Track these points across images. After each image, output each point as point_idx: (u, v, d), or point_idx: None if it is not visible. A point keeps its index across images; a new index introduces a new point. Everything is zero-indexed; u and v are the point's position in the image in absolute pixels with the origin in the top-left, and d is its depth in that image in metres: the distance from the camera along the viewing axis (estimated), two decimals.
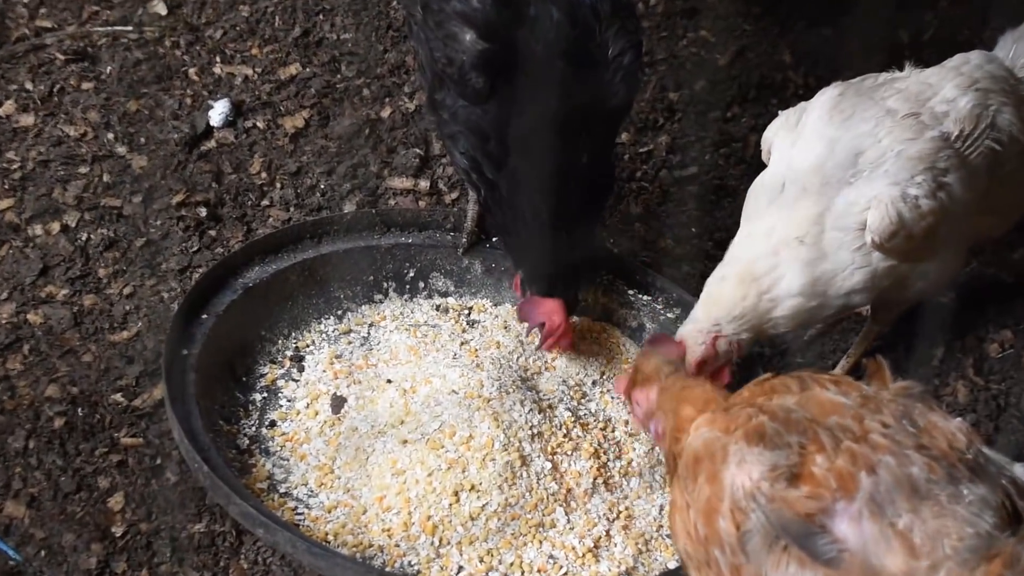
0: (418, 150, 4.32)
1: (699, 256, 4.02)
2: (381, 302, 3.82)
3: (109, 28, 4.63)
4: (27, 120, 4.28)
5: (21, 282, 3.80)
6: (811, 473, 2.32)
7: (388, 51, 4.68)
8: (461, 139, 3.51)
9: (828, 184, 3.24)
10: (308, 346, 3.68)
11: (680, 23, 4.91)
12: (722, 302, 3.32)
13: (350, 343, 3.69)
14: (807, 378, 2.52)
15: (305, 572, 3.19)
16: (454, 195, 4.20)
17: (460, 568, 3.14)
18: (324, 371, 3.59)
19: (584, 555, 3.20)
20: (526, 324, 3.61)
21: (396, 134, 4.39)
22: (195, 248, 3.94)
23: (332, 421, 3.44)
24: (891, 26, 4.82)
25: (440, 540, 3.15)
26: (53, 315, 3.73)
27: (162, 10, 4.69)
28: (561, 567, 3.17)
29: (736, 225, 3.43)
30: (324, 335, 3.71)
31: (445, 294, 3.88)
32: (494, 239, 3.85)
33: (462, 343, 3.66)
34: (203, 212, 4.04)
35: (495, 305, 3.85)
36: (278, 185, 4.19)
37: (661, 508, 3.32)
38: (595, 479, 3.31)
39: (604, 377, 3.63)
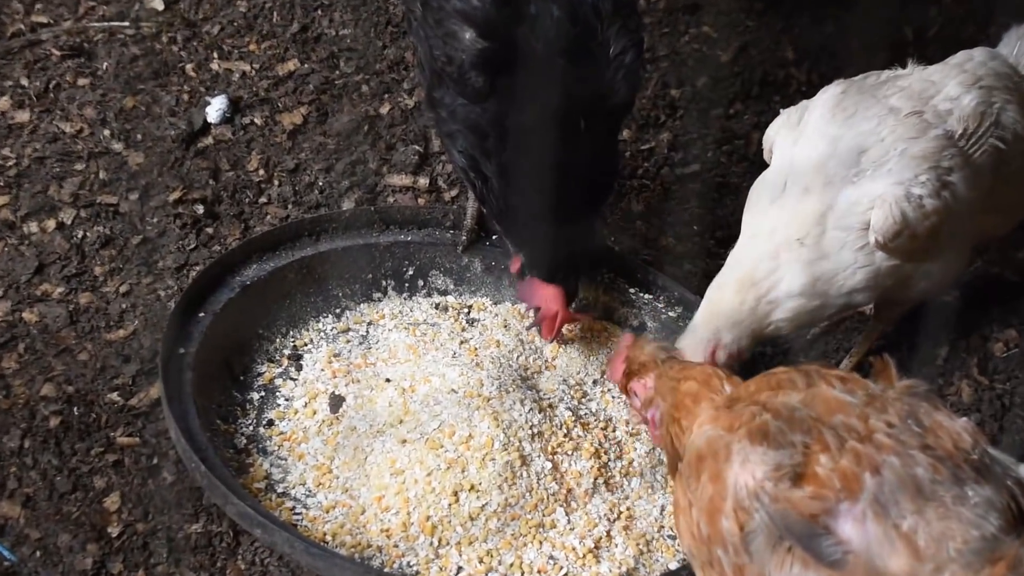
0: (417, 147, 4.31)
1: (701, 254, 4.02)
2: (380, 300, 3.82)
3: (105, 24, 4.62)
4: (22, 116, 4.27)
5: (16, 280, 3.80)
6: (815, 473, 2.32)
7: (387, 47, 4.68)
8: (460, 138, 3.50)
9: (830, 183, 3.24)
10: (306, 345, 3.67)
11: (682, 19, 4.91)
12: (721, 310, 3.32)
13: (348, 342, 3.69)
14: (814, 373, 2.52)
15: (303, 573, 3.18)
16: (453, 192, 4.20)
17: (459, 569, 3.13)
18: (322, 370, 3.58)
19: (585, 556, 3.19)
20: (525, 306, 3.59)
21: (395, 131, 4.39)
22: (192, 246, 3.94)
23: (330, 420, 3.43)
24: (895, 22, 4.82)
25: (439, 540, 3.15)
26: (49, 313, 3.72)
27: (159, 5, 4.68)
28: (561, 568, 3.17)
29: (738, 223, 3.43)
30: (322, 333, 3.71)
31: (444, 292, 3.87)
32: (494, 237, 3.84)
33: (461, 342, 3.65)
34: (200, 209, 4.03)
35: (495, 303, 3.85)
36: (276, 182, 4.19)
37: (662, 508, 3.32)
38: (596, 479, 3.31)
39: (605, 376, 3.62)
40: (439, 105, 3.54)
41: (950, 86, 3.33)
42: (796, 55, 4.81)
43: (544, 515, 3.22)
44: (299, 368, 3.61)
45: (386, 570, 3.10)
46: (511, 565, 3.14)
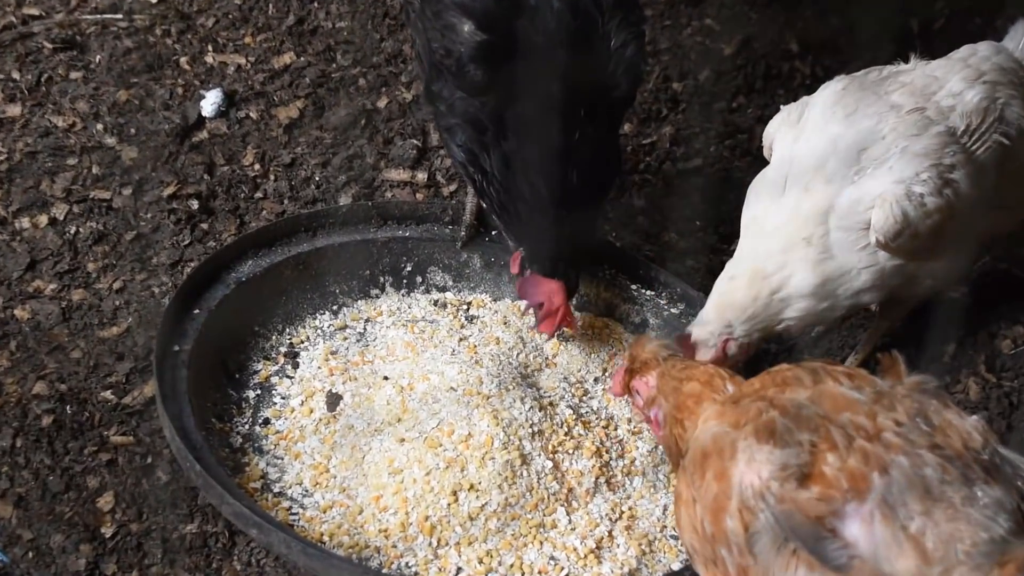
0: (415, 141, 4.30)
1: (704, 250, 4.02)
2: (378, 297, 3.81)
3: (98, 16, 4.61)
4: (14, 110, 4.26)
5: (8, 276, 3.79)
6: (822, 473, 2.31)
7: (384, 40, 4.67)
8: (459, 131, 3.49)
9: (831, 182, 3.24)
10: (303, 342, 3.66)
11: (685, 11, 4.90)
12: (734, 303, 3.31)
13: (346, 339, 3.68)
14: (821, 370, 2.51)
15: (300, 574, 3.17)
16: (452, 187, 4.19)
17: (459, 569, 3.12)
18: (319, 368, 3.57)
19: (586, 556, 3.18)
20: (523, 302, 3.59)
21: (393, 125, 4.38)
22: (187, 242, 3.93)
23: (327, 419, 3.42)
24: (900, 15, 4.81)
25: (438, 541, 3.14)
26: (41, 310, 3.71)
27: None
28: (563, 568, 3.16)
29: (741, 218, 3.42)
30: (319, 331, 3.70)
31: (443, 289, 3.86)
32: (493, 232, 3.83)
33: (461, 339, 3.64)
34: (195, 205, 4.02)
35: (494, 300, 3.84)
36: (272, 177, 4.18)
37: (665, 508, 3.31)
38: (597, 478, 3.30)
39: (606, 374, 3.62)
40: (437, 99, 3.53)
41: (953, 81, 3.32)
42: (800, 48, 4.81)
43: (545, 515, 3.21)
44: (296, 366, 3.59)
45: (384, 571, 3.09)
46: (511, 566, 3.13)
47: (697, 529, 2.47)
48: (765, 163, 3.46)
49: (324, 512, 3.21)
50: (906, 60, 3.47)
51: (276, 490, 3.27)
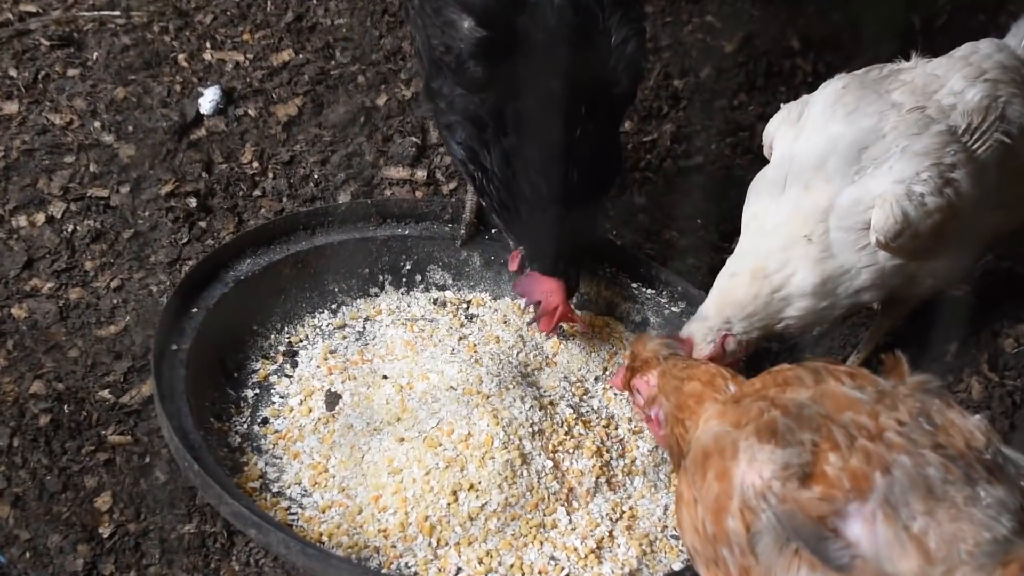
0: (415, 139, 4.30)
1: (705, 248, 4.02)
2: (377, 295, 3.80)
3: (95, 13, 4.61)
4: (11, 108, 4.26)
5: (5, 275, 3.78)
6: (824, 472, 2.31)
7: (384, 37, 4.66)
8: (459, 129, 3.49)
9: (831, 181, 3.23)
10: (301, 341, 3.66)
11: (686, 8, 4.90)
12: (735, 300, 3.31)
13: (345, 338, 3.68)
14: (822, 370, 2.51)
15: (299, 574, 3.17)
16: (452, 185, 4.19)
17: (459, 570, 3.12)
18: (318, 367, 3.57)
19: (586, 556, 3.18)
20: (522, 299, 3.59)
21: (392, 122, 4.37)
22: (185, 240, 3.93)
23: (326, 418, 3.42)
24: (903, 11, 4.81)
25: (438, 541, 3.14)
26: (38, 309, 3.71)
27: None
28: (563, 569, 3.16)
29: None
30: (318, 330, 3.70)
31: (443, 287, 3.86)
32: (493, 231, 3.83)
33: (460, 338, 3.64)
34: (193, 203, 4.02)
35: (494, 299, 3.84)
36: (270, 175, 4.18)
37: (666, 508, 3.31)
38: (598, 478, 3.30)
39: (607, 373, 3.62)
40: (437, 96, 3.53)
41: (954, 80, 3.32)
42: (802, 45, 4.81)
43: (545, 515, 3.21)
44: (294, 365, 3.59)
45: (384, 571, 3.09)
46: (511, 566, 3.13)
47: (698, 530, 2.47)
48: (766, 161, 3.46)
49: (323, 512, 3.21)
50: (907, 57, 3.47)
51: (275, 490, 3.27)
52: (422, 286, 3.85)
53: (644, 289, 3.82)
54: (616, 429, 3.46)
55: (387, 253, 3.82)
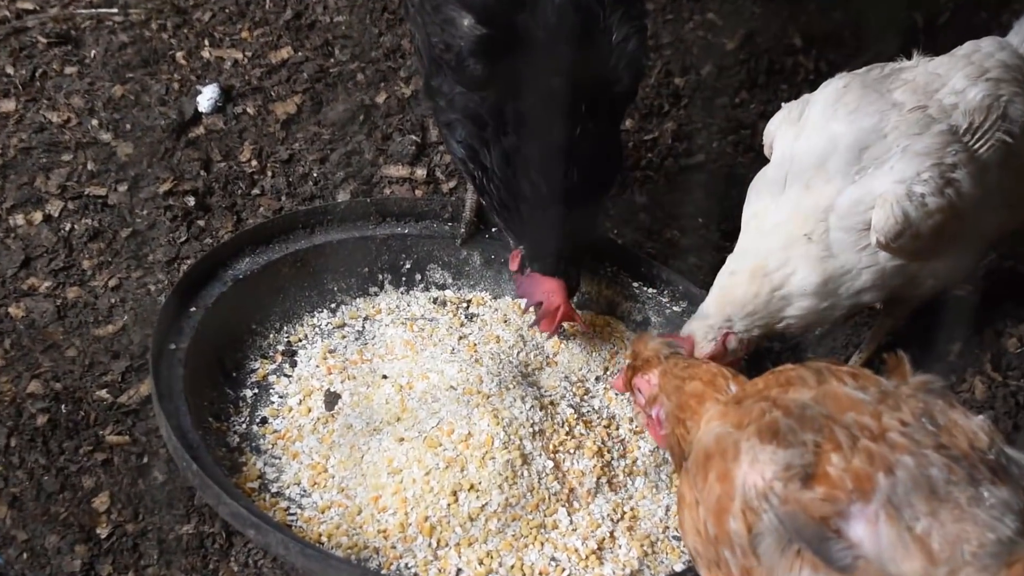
0: (414, 137, 4.30)
1: (706, 247, 4.02)
2: (376, 295, 3.80)
3: (93, 10, 4.60)
4: (8, 106, 4.26)
5: (2, 274, 3.78)
6: (826, 473, 2.31)
7: (383, 34, 4.66)
8: (458, 127, 3.49)
9: (831, 181, 3.23)
10: (301, 340, 3.66)
11: (687, 5, 4.90)
12: (735, 298, 3.31)
13: (344, 337, 3.68)
14: (825, 370, 2.51)
15: (298, 575, 3.17)
16: (452, 184, 4.18)
17: (459, 571, 3.12)
18: (317, 366, 3.57)
19: (587, 557, 3.18)
20: (523, 300, 3.59)
21: (392, 120, 4.37)
22: (183, 239, 3.92)
23: (326, 418, 3.42)
24: (905, 9, 4.81)
25: (438, 542, 3.14)
26: (35, 308, 3.71)
27: None
28: (564, 570, 3.16)
29: None
30: (317, 329, 3.70)
31: (443, 286, 3.86)
32: (494, 229, 3.83)
33: (460, 337, 3.64)
34: (191, 201, 4.02)
35: (495, 298, 3.84)
36: (269, 173, 4.17)
37: (667, 508, 3.31)
38: (599, 478, 3.30)
39: (608, 373, 3.62)
40: (437, 94, 3.53)
41: (955, 79, 3.32)
42: (804, 43, 4.80)
43: (546, 515, 3.21)
44: (293, 364, 3.59)
45: (383, 572, 3.09)
46: (512, 567, 3.13)
47: (700, 531, 2.47)
48: (767, 160, 3.46)
49: (322, 512, 3.21)
50: (910, 56, 3.47)
51: (274, 490, 3.27)
52: (422, 285, 3.85)
53: (645, 288, 3.82)
54: (617, 429, 3.46)
55: (387, 252, 3.82)
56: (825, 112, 3.33)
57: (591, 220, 3.60)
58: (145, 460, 3.37)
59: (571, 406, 3.42)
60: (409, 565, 3.12)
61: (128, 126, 4.23)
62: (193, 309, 3.49)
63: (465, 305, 3.82)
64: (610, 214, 4.08)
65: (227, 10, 4.66)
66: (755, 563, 2.35)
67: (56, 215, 3.94)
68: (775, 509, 2.32)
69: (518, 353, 3.61)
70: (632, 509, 3.30)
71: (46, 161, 4.09)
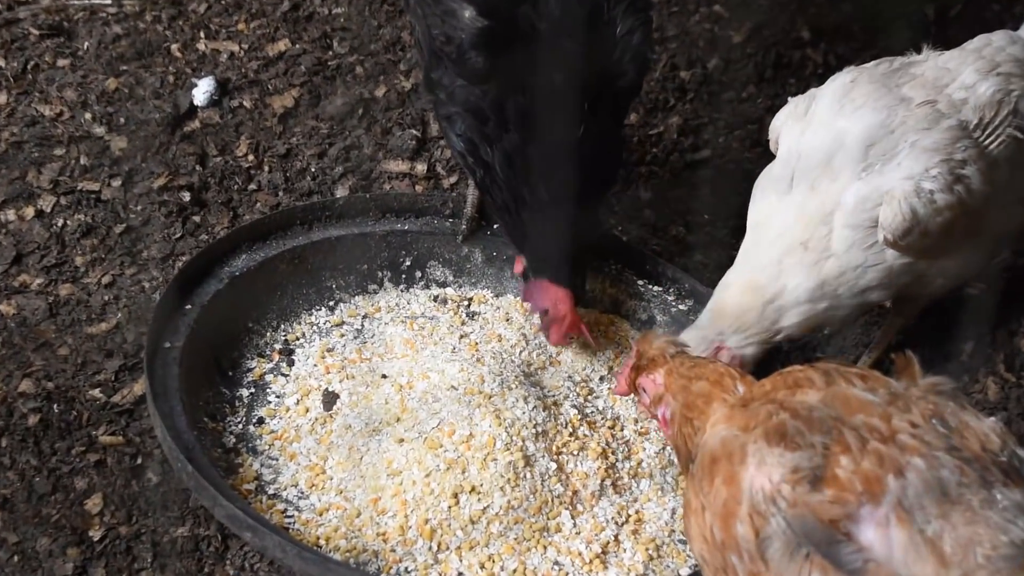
0: (415, 131, 4.30)
1: (712, 244, 4.02)
2: (376, 292, 3.81)
3: (86, 1, 4.61)
4: None
5: None
6: (835, 475, 2.31)
7: (383, 26, 4.66)
8: (459, 121, 3.49)
9: (837, 179, 3.23)
10: (298, 339, 3.66)
11: None
12: (726, 311, 3.32)
13: (343, 336, 3.68)
14: (833, 372, 2.51)
15: None
16: (453, 179, 4.19)
17: (460, 575, 3.12)
18: (315, 365, 3.57)
19: (591, 561, 3.18)
20: (530, 308, 3.59)
21: (391, 114, 4.37)
22: (178, 235, 3.93)
23: (324, 418, 3.42)
24: (916, 1, 4.81)
25: (439, 545, 3.14)
26: (27, 306, 3.71)
27: None
28: (567, 574, 3.16)
29: None
30: (315, 327, 3.70)
31: (443, 284, 3.86)
32: (495, 226, 3.83)
33: (462, 336, 3.64)
34: (187, 197, 4.02)
35: (496, 296, 3.84)
36: (266, 168, 4.18)
37: (673, 511, 3.31)
38: (603, 480, 3.30)
39: (612, 372, 3.62)
40: (437, 87, 3.52)
41: (965, 73, 3.32)
42: (812, 35, 4.80)
43: (549, 518, 3.21)
44: (291, 363, 3.60)
45: None
46: (514, 571, 3.13)
47: (707, 538, 2.47)
48: (775, 155, 3.46)
49: (320, 515, 3.21)
50: (920, 49, 3.46)
51: (271, 492, 3.27)
52: (422, 283, 3.85)
53: (650, 286, 3.82)
54: (622, 430, 3.46)
55: (386, 249, 3.82)
56: (832, 107, 3.32)
57: (594, 221, 3.60)
58: (139, 461, 3.37)
59: (575, 406, 3.42)
60: (409, 569, 3.12)
61: (122, 120, 4.23)
62: (188, 307, 3.49)
63: (466, 303, 3.82)
64: (615, 210, 4.09)
65: (223, 1, 4.67)
66: (763, 568, 2.36)
67: (48, 210, 3.95)
68: (783, 512, 2.32)
69: (520, 352, 3.61)
70: (637, 512, 3.30)
71: (38, 155, 4.09)
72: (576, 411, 3.40)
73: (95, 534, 3.22)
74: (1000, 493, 2.28)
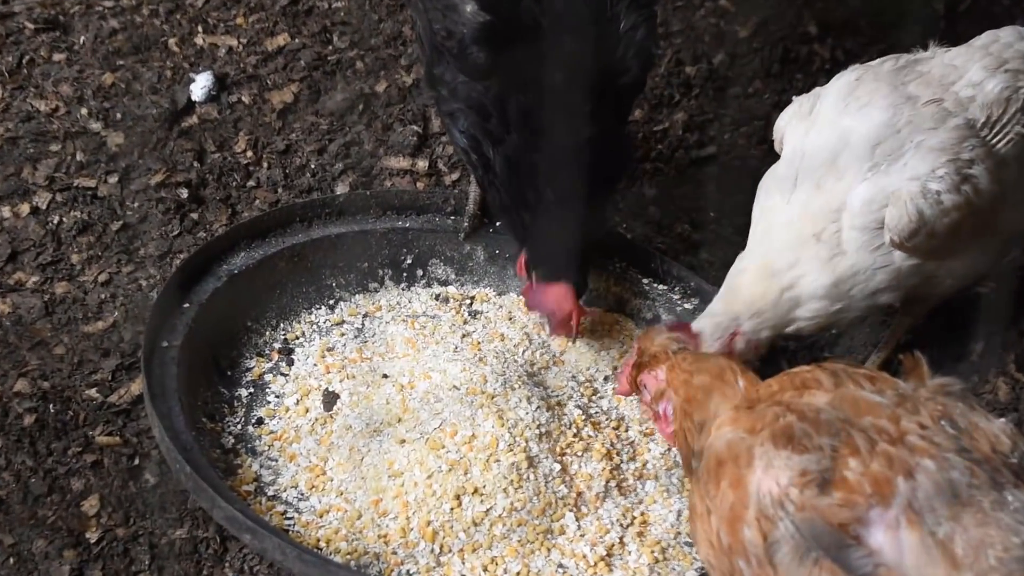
0: (416, 127, 4.30)
1: (718, 242, 4.01)
2: (376, 291, 3.81)
3: None
4: None
5: None
6: (844, 478, 2.31)
7: (383, 21, 4.66)
8: (460, 117, 3.49)
9: (842, 179, 3.23)
10: (298, 338, 3.66)
11: None
12: (741, 296, 3.31)
13: (343, 335, 3.68)
14: (841, 373, 2.51)
15: None
16: (455, 176, 4.18)
17: None
18: (315, 365, 3.57)
19: (596, 564, 3.18)
20: (534, 313, 3.59)
21: (392, 110, 4.37)
22: (176, 232, 3.93)
23: (324, 419, 3.42)
24: None
25: (441, 547, 3.14)
26: (22, 304, 3.71)
27: None
28: None
29: None
30: (315, 326, 3.70)
31: (445, 282, 3.86)
32: (498, 223, 3.83)
33: (463, 335, 3.64)
34: (184, 193, 4.02)
35: (499, 294, 3.84)
36: (265, 164, 4.17)
37: (679, 513, 3.31)
38: (607, 482, 3.30)
39: (616, 372, 3.61)
40: (439, 83, 3.52)
41: (973, 70, 3.31)
42: (819, 30, 4.80)
43: (552, 520, 3.21)
44: (290, 363, 3.60)
45: None
46: (517, 574, 3.13)
47: (713, 542, 2.47)
48: (778, 155, 3.46)
49: (321, 517, 3.21)
50: (926, 47, 3.46)
51: (270, 493, 3.27)
52: (423, 281, 3.85)
53: (655, 285, 3.82)
54: (627, 431, 3.46)
55: (387, 246, 3.82)
56: (836, 106, 3.32)
57: (598, 219, 3.60)
58: (136, 462, 3.37)
59: (579, 407, 3.42)
60: (411, 572, 3.12)
61: (119, 115, 4.23)
62: (186, 305, 3.49)
63: (468, 302, 3.82)
64: (619, 208, 4.08)
65: None
66: (772, 573, 2.36)
67: (44, 207, 3.95)
68: (791, 516, 2.32)
69: (523, 352, 3.61)
70: (642, 514, 3.30)
71: (33, 151, 4.09)
72: (580, 411, 3.40)
73: (92, 536, 3.22)
74: (1011, 495, 2.29)
